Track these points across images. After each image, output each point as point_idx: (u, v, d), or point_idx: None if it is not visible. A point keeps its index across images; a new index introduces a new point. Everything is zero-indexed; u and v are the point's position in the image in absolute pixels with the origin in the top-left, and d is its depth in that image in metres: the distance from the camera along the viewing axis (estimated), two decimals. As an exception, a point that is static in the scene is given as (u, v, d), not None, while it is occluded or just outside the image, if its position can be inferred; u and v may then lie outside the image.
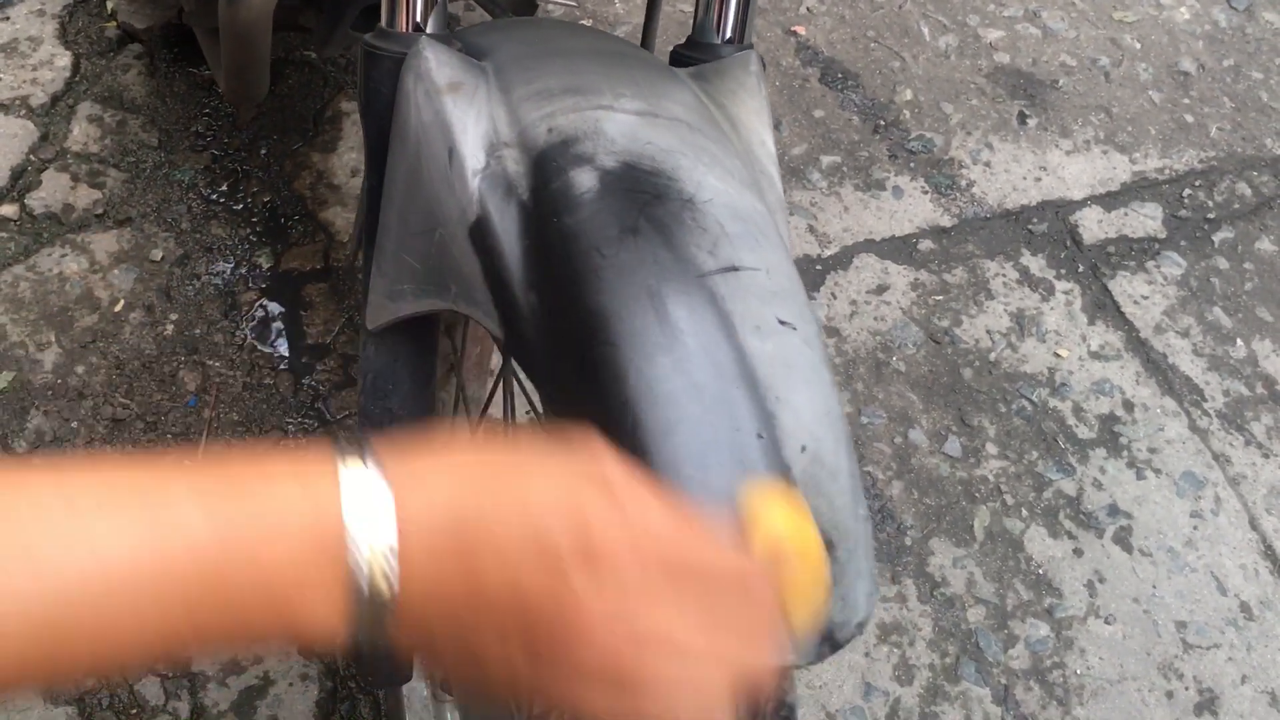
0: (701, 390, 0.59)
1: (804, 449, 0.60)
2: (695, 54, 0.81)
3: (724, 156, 0.70)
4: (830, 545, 0.59)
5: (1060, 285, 1.65)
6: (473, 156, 0.68)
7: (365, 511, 0.41)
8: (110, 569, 0.38)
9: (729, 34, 0.82)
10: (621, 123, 0.68)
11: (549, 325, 0.64)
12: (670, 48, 0.83)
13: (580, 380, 0.61)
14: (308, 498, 0.41)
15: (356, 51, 1.54)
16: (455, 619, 0.42)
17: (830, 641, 0.58)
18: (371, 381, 0.82)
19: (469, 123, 0.69)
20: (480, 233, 0.67)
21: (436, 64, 0.71)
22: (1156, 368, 1.59)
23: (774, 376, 0.61)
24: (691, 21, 0.83)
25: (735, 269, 0.63)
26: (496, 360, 1.13)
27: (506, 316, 0.66)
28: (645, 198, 0.65)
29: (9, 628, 0.36)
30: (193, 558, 0.39)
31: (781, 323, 0.63)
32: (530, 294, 0.65)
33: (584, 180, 0.65)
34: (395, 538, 0.41)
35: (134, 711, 1.22)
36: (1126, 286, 1.67)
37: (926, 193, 1.72)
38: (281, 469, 0.42)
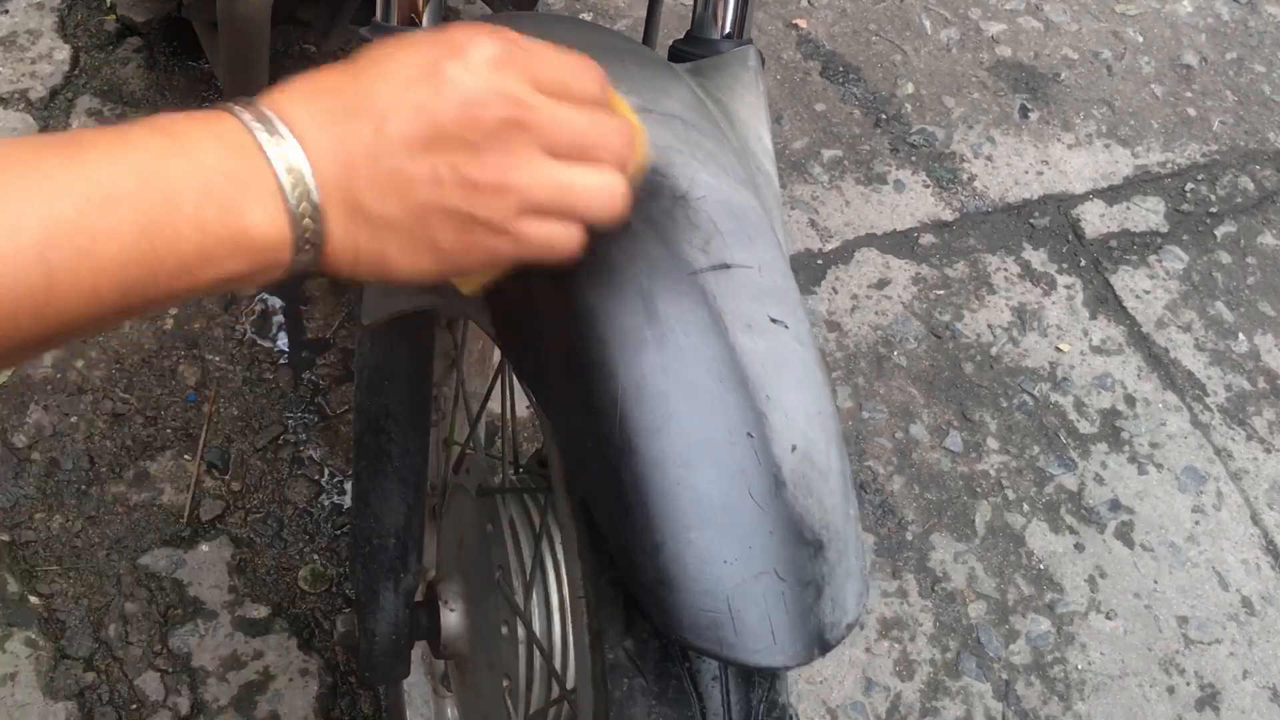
0: (691, 388, 0.59)
1: (794, 448, 0.60)
2: (694, 49, 0.81)
3: (719, 153, 0.69)
4: (820, 546, 0.59)
5: (1062, 279, 1.65)
6: (465, 153, 0.68)
7: (276, 144, 0.46)
8: (64, 215, 0.42)
9: (728, 29, 0.81)
10: (615, 119, 0.68)
11: (541, 322, 0.63)
12: (670, 42, 0.83)
13: (569, 377, 0.61)
14: (223, 127, 0.46)
15: (355, 45, 1.53)
16: (367, 169, 0.47)
17: (820, 643, 0.58)
18: (368, 377, 0.82)
19: (462, 119, 0.69)
20: (473, 230, 0.66)
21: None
22: (1158, 362, 1.59)
23: (765, 375, 0.60)
24: (691, 16, 0.83)
25: (727, 266, 0.63)
26: (496, 355, 1.13)
27: (499, 314, 0.66)
28: (637, 193, 0.64)
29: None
30: (140, 188, 0.44)
31: (773, 321, 0.63)
32: (521, 290, 0.64)
33: (576, 177, 0.65)
34: (306, 162, 0.46)
35: (134, 706, 1.22)
36: (1128, 281, 1.66)
37: (928, 186, 1.71)
38: (191, 116, 0.47)
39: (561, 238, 0.53)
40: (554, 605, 0.83)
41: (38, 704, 1.21)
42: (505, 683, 0.85)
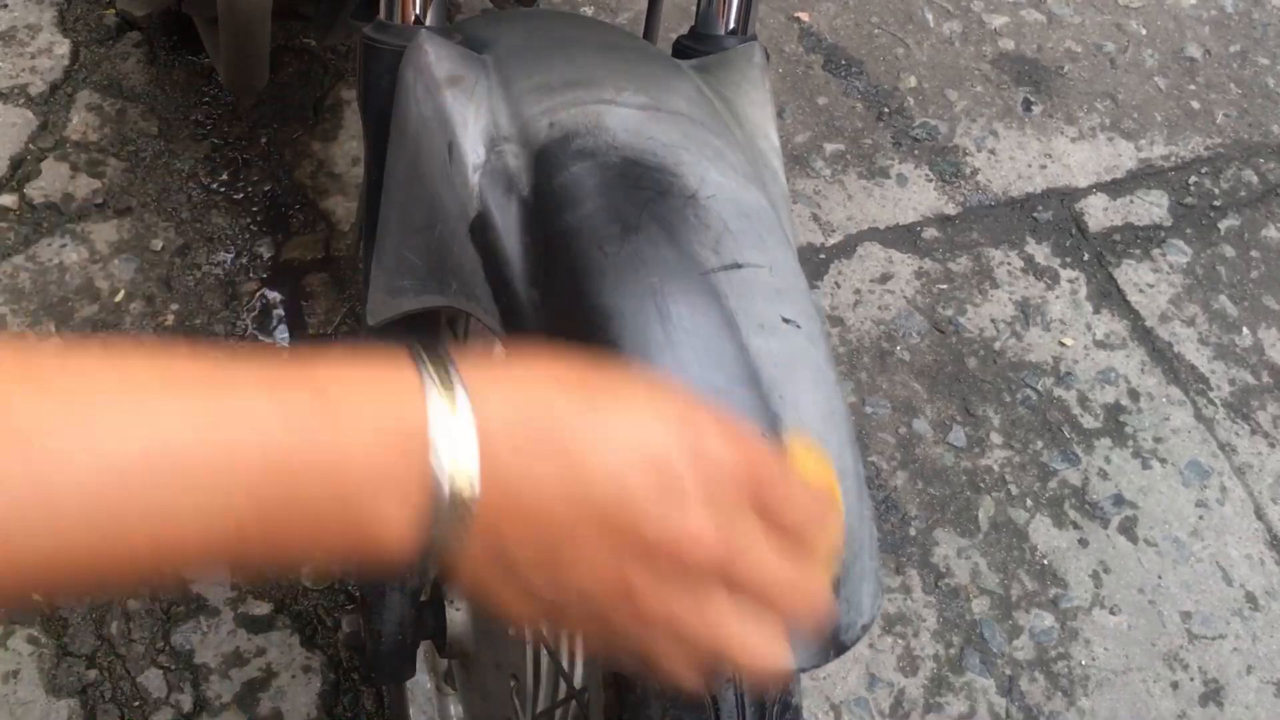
0: (706, 390, 0.59)
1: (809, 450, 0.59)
2: (698, 45, 0.80)
3: (727, 151, 0.69)
4: (834, 548, 0.58)
5: (1065, 273, 1.64)
6: (473, 152, 0.67)
7: (449, 418, 0.39)
8: (173, 450, 0.36)
9: (732, 25, 0.81)
10: (624, 117, 0.67)
11: (550, 323, 0.63)
12: (673, 38, 0.83)
13: (582, 379, 0.61)
14: (390, 404, 0.39)
15: (356, 40, 1.52)
16: (538, 520, 0.41)
17: (836, 644, 0.58)
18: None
19: (469, 117, 0.68)
20: (480, 229, 0.66)
21: (436, 57, 0.70)
22: (1162, 356, 1.59)
23: (778, 376, 0.60)
24: (694, 12, 0.82)
25: (739, 266, 0.63)
26: (500, 350, 1.12)
27: (507, 314, 0.65)
28: (648, 194, 0.64)
29: (66, 506, 0.34)
30: (262, 451, 0.37)
31: (785, 321, 0.62)
32: (531, 291, 0.64)
33: (586, 176, 0.64)
34: (476, 440, 0.39)
35: (137, 704, 1.22)
36: (1132, 275, 1.66)
37: (931, 180, 1.71)
38: (361, 374, 0.40)
39: (686, 675, 0.44)
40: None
41: (40, 701, 1.20)
42: (512, 682, 0.85)
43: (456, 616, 0.91)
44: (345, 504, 0.38)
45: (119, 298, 1.46)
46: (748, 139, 0.74)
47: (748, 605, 0.43)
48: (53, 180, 1.54)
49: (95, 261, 1.49)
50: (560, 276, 0.62)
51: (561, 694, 0.82)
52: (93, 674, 1.22)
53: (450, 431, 0.39)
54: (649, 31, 0.91)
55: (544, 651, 0.82)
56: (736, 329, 0.60)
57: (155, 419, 0.36)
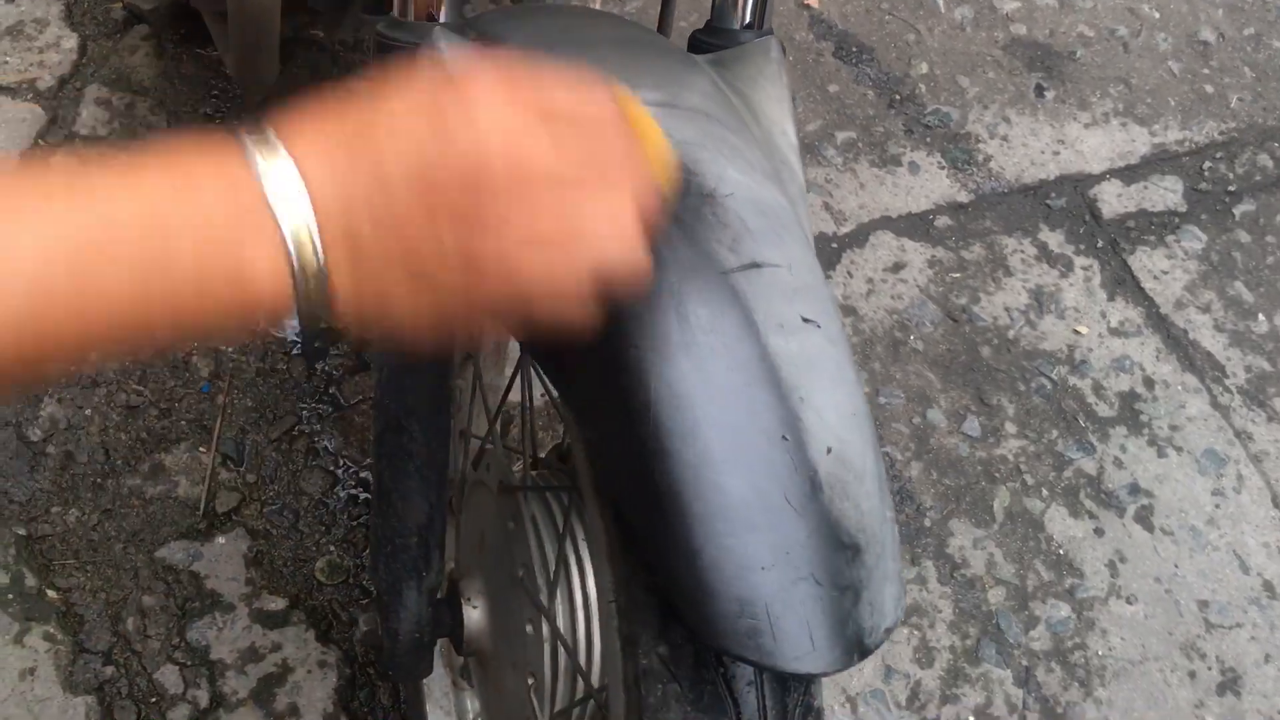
0: (724, 392, 0.58)
1: (829, 450, 0.59)
2: (714, 40, 0.79)
3: (744, 148, 0.68)
4: (858, 550, 0.58)
5: (1079, 261, 1.64)
6: (488, 151, 0.67)
7: (281, 186, 0.45)
8: (71, 247, 0.42)
9: (748, 19, 0.80)
10: (640, 114, 0.67)
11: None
12: (687, 31, 0.82)
13: (599, 380, 0.60)
14: (224, 168, 0.45)
15: (369, 36, 1.52)
16: (382, 255, 0.46)
17: (860, 648, 0.57)
18: (388, 375, 0.81)
19: (484, 115, 0.68)
20: (497, 229, 0.65)
21: (450, 55, 0.69)
22: (1177, 344, 1.58)
23: (798, 376, 0.59)
24: (710, 6, 0.81)
25: (757, 265, 0.62)
26: (514, 348, 1.12)
27: (525, 316, 0.65)
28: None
29: None
30: (141, 227, 0.43)
31: (805, 320, 0.62)
32: (549, 292, 0.63)
33: (602, 175, 0.64)
34: (310, 209, 0.45)
35: (154, 700, 1.22)
36: (1146, 261, 1.65)
37: (943, 168, 1.70)
38: (200, 153, 0.45)
39: (566, 274, 0.49)
40: (579, 604, 0.82)
41: (58, 698, 1.21)
42: (530, 680, 0.85)
43: (473, 614, 0.91)
44: (219, 261, 0.44)
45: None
46: (765, 135, 0.73)
47: (599, 202, 0.48)
48: (63, 175, 1.54)
49: (106, 257, 1.48)
50: (578, 277, 0.62)
51: (579, 693, 0.81)
52: (109, 670, 1.23)
53: (275, 178, 0.45)
54: (663, 25, 0.91)
55: (561, 650, 0.82)
56: (756, 329, 0.60)
57: (48, 225, 0.42)
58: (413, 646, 0.89)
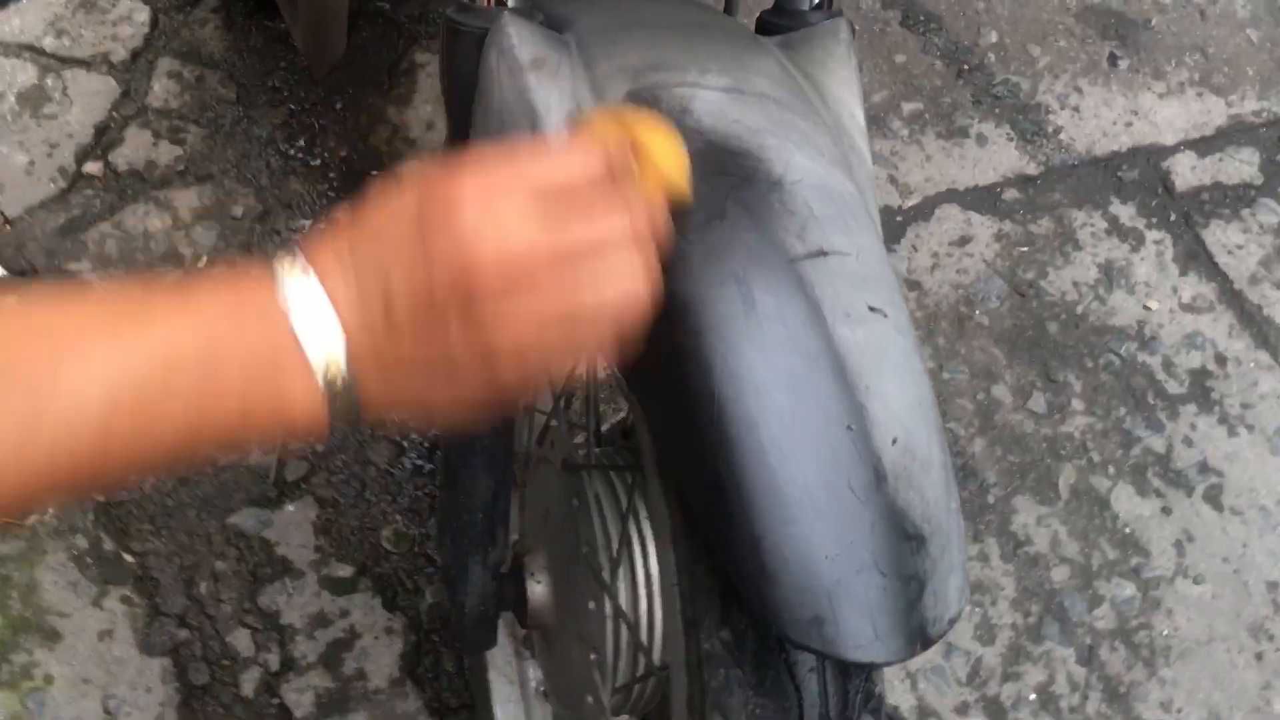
0: (789, 380, 0.58)
1: (895, 441, 0.59)
2: (782, 21, 0.79)
3: (812, 133, 0.68)
4: (922, 540, 0.58)
5: (1151, 235, 1.61)
6: (556, 136, 0.67)
7: (309, 318, 0.47)
8: (133, 384, 0.45)
9: (817, 0, 0.79)
10: (708, 100, 0.67)
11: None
12: (756, 13, 0.81)
13: (664, 367, 0.61)
14: (263, 310, 0.47)
15: (433, 7, 1.52)
16: (403, 363, 0.48)
17: (923, 638, 0.58)
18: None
19: (553, 101, 0.68)
20: (564, 214, 0.66)
21: (519, 40, 0.70)
22: (1251, 320, 1.55)
23: (864, 366, 0.59)
24: (776, -14, 0.81)
25: (824, 254, 0.62)
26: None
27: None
28: (733, 180, 0.63)
29: (57, 437, 0.44)
30: (196, 359, 0.46)
31: (872, 309, 0.62)
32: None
33: (670, 162, 0.64)
34: (340, 336, 0.47)
35: (226, 662, 1.26)
36: (1220, 236, 1.61)
37: (1012, 140, 1.67)
38: (239, 285, 0.48)
39: (584, 337, 0.51)
40: (641, 582, 0.83)
41: (134, 660, 1.25)
42: (592, 655, 0.86)
43: (536, 589, 0.92)
44: (260, 389, 0.47)
45: (202, 264, 1.49)
46: (834, 119, 0.73)
47: (600, 262, 0.49)
48: (136, 147, 1.57)
49: (178, 228, 1.51)
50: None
51: (641, 670, 0.83)
52: (184, 633, 1.26)
53: (303, 306, 0.47)
54: (730, 5, 0.90)
55: (624, 627, 0.83)
56: (822, 318, 0.60)
57: (114, 363, 0.45)
58: (478, 620, 0.90)
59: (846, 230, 0.63)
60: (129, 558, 1.30)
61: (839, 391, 0.59)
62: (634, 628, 0.81)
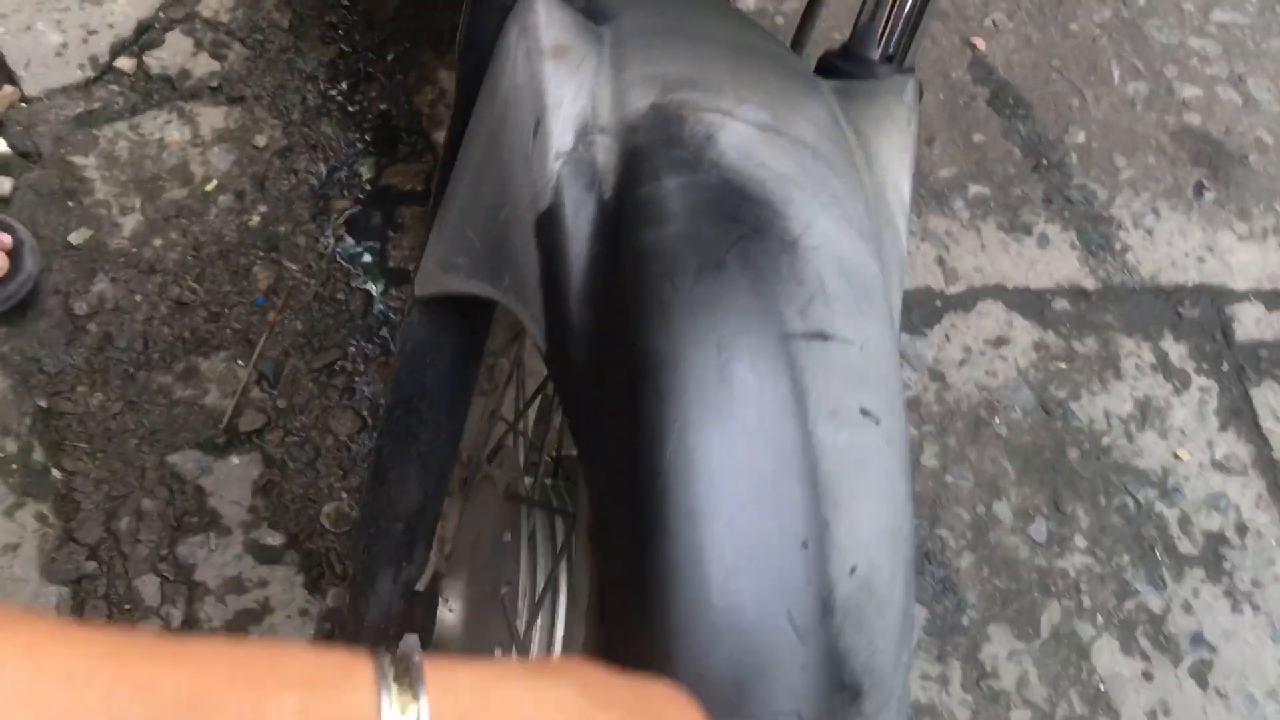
0: (750, 476, 0.50)
1: (853, 570, 0.50)
2: (846, 65, 0.70)
3: (846, 197, 0.59)
4: (858, 694, 0.49)
5: (1198, 380, 1.51)
6: (560, 135, 0.59)
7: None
8: None
9: (890, 51, 0.71)
10: (738, 134, 0.58)
11: (597, 354, 0.54)
12: (820, 50, 0.73)
13: (616, 424, 0.52)
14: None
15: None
16: None
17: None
18: (410, 351, 0.74)
19: (566, 95, 0.60)
20: (548, 225, 0.58)
21: (546, 20, 0.62)
22: (1282, 494, 1.45)
23: (838, 477, 0.51)
24: (851, 26, 0.72)
25: (825, 337, 0.53)
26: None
27: (554, 329, 0.57)
28: (741, 230, 0.55)
29: None
30: None
31: (864, 413, 0.53)
32: (586, 312, 0.56)
33: (677, 193, 0.56)
34: None
35: (127, 607, 1.18)
36: (1271, 398, 1.51)
37: (1075, 248, 1.58)
38: (321, 669, 0.37)
39: None
40: (557, 643, 0.74)
41: (33, 581, 1.17)
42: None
43: (448, 616, 0.84)
44: None
45: (210, 187, 1.42)
46: (875, 187, 0.65)
47: None
48: (174, 53, 1.50)
49: (195, 145, 1.44)
50: (621, 303, 0.54)
51: None
52: (91, 566, 1.19)
53: None
54: (800, 36, 0.82)
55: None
56: (804, 411, 0.51)
57: None
58: (377, 636, 0.82)
59: (857, 315, 0.55)
60: (57, 473, 1.22)
61: (803, 501, 0.50)
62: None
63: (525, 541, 0.77)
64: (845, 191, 0.60)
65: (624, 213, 0.56)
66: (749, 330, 0.52)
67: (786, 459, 0.50)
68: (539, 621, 0.75)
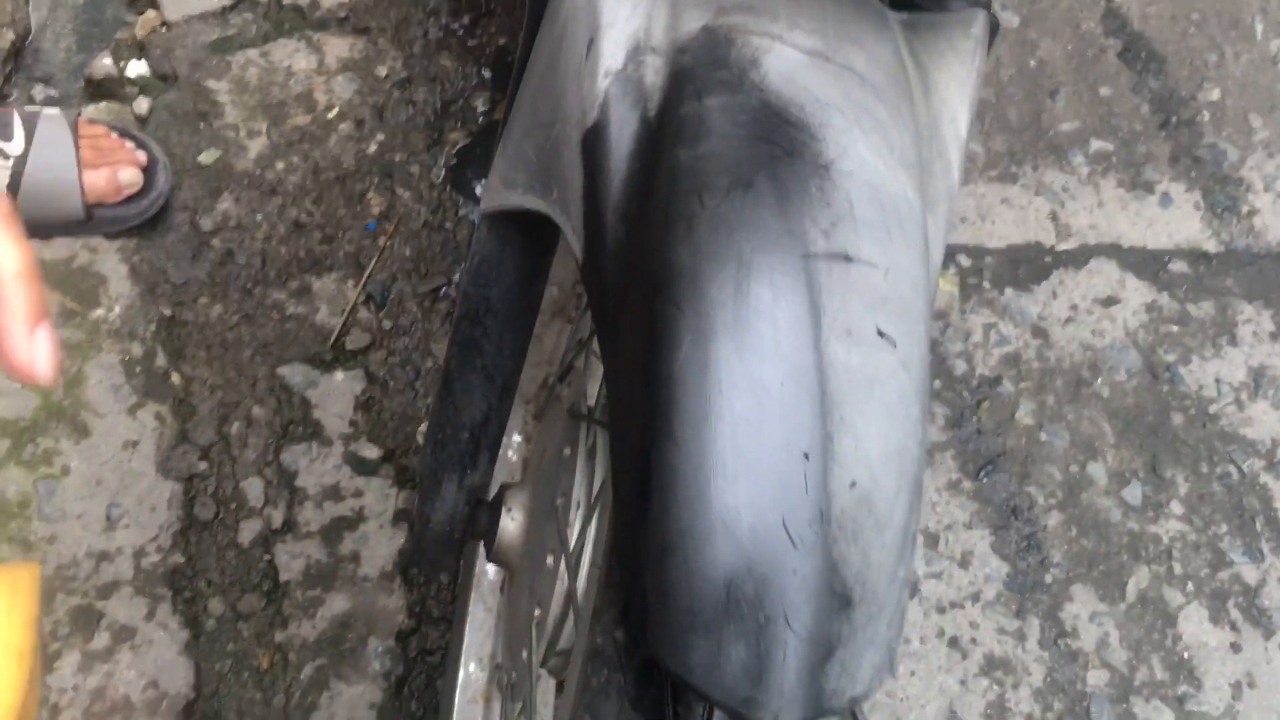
0: (757, 386, 0.51)
1: (854, 485, 0.51)
2: (919, -2, 0.70)
3: (892, 126, 0.60)
4: (848, 603, 0.51)
5: (1320, 351, 1.45)
6: (610, 55, 0.61)
7: None
8: None
9: (962, -16, 0.70)
10: (784, 58, 0.59)
11: (626, 268, 0.56)
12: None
13: (634, 332, 0.54)
14: None
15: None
16: None
17: (813, 707, 0.50)
18: (476, 264, 0.77)
19: (620, 16, 0.62)
20: (593, 141, 0.60)
21: None
22: (1403, 474, 1.38)
23: (847, 393, 0.52)
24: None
25: (847, 259, 0.54)
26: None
27: (591, 241, 0.59)
28: (775, 151, 0.56)
29: None
30: None
31: (880, 334, 0.54)
32: (620, 225, 0.58)
33: (716, 113, 0.57)
34: None
35: (233, 506, 1.25)
36: (1399, 374, 1.44)
37: (1199, 209, 1.52)
38: None
39: None
40: (591, 554, 0.77)
41: (149, 476, 1.25)
42: (537, 612, 0.81)
43: (509, 526, 0.87)
44: None
45: (332, 114, 1.47)
46: (930, 120, 0.65)
47: None
48: (306, -16, 1.55)
49: (320, 74, 1.50)
50: (651, 218, 0.56)
51: (570, 644, 0.77)
52: (202, 465, 1.26)
53: None
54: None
55: (575, 603, 0.77)
56: (818, 328, 0.52)
57: None
58: (439, 539, 0.86)
59: (885, 241, 0.56)
60: (176, 378, 1.30)
61: (809, 414, 0.51)
62: (573, 597, 0.76)
63: (583, 455, 0.80)
64: (890, 121, 0.60)
65: (664, 131, 0.58)
66: (771, 247, 0.53)
67: (796, 373, 0.51)
68: (589, 533, 0.78)
